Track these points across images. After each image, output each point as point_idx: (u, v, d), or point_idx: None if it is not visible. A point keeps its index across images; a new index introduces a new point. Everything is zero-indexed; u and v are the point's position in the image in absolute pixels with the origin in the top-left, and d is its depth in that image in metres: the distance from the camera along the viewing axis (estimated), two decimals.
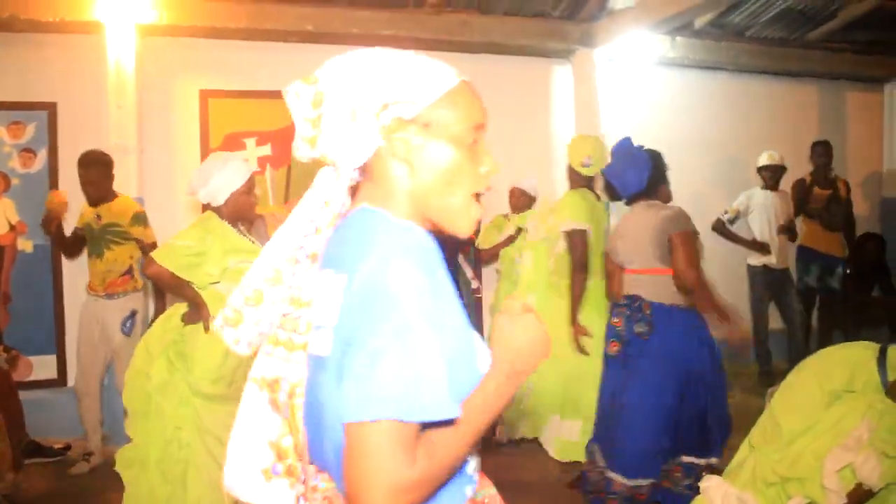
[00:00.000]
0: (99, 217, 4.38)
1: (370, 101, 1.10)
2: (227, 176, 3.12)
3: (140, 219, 4.40)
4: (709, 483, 2.41)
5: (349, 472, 0.97)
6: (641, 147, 3.54)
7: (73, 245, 4.63)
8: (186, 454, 3.09)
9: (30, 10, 4.75)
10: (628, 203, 3.57)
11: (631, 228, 3.47)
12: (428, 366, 0.97)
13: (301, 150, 1.16)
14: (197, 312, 3.11)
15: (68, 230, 4.60)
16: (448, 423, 1.00)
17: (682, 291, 3.25)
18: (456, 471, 1.05)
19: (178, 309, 3.22)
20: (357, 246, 1.06)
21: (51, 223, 4.40)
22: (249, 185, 3.19)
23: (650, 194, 3.48)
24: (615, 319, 3.42)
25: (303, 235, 1.14)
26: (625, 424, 3.24)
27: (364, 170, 1.16)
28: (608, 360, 3.46)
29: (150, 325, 4.37)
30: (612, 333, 3.43)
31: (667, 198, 3.56)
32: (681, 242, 3.19)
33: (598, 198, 4.19)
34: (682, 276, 3.17)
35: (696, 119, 6.48)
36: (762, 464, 2.27)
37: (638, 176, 3.42)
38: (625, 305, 3.38)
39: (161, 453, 3.09)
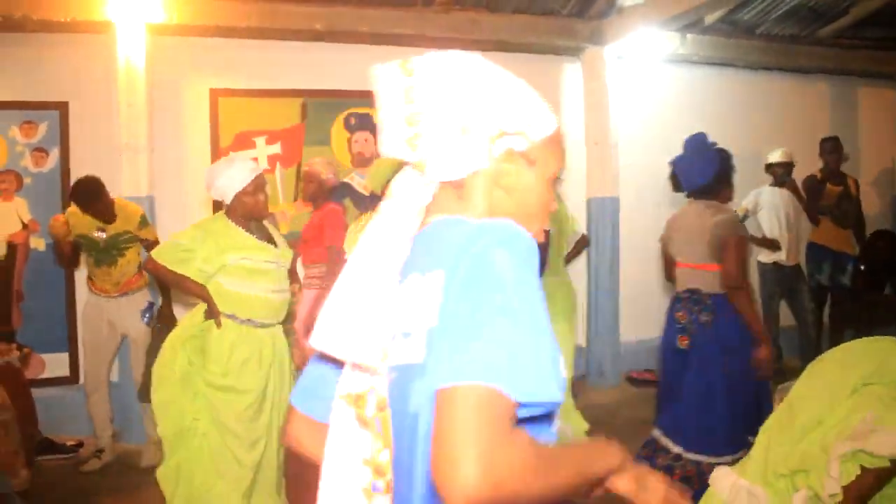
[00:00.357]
0: (102, 230, 4.39)
1: (486, 123, 1.08)
2: (231, 176, 3.21)
3: (145, 220, 4.51)
4: (718, 474, 2.39)
5: (436, 448, 0.88)
6: (713, 144, 3.63)
7: (76, 257, 4.63)
8: (202, 443, 3.22)
9: (42, 10, 4.77)
10: (689, 196, 3.69)
11: (687, 225, 3.61)
12: (533, 344, 0.92)
13: (393, 149, 1.11)
14: (210, 310, 3.24)
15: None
16: (546, 425, 0.95)
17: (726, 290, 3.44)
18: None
19: (203, 307, 3.30)
20: (451, 246, 1.02)
21: (62, 249, 4.43)
22: (256, 185, 3.25)
23: (712, 192, 3.57)
24: (679, 313, 3.57)
25: (395, 244, 1.09)
26: (715, 409, 3.37)
27: (453, 183, 1.12)
28: (675, 354, 3.58)
29: (156, 318, 4.45)
30: (677, 328, 3.57)
31: (726, 199, 3.66)
32: (734, 245, 3.37)
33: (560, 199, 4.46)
34: (729, 277, 3.36)
35: (705, 116, 6.43)
36: (774, 456, 2.26)
37: (703, 171, 3.53)
38: (685, 299, 3.55)
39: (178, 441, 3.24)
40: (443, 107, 1.07)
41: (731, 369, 3.38)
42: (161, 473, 3.31)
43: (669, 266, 3.80)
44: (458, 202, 1.12)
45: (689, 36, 6.08)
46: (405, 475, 1.05)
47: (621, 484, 1.15)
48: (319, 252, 4.45)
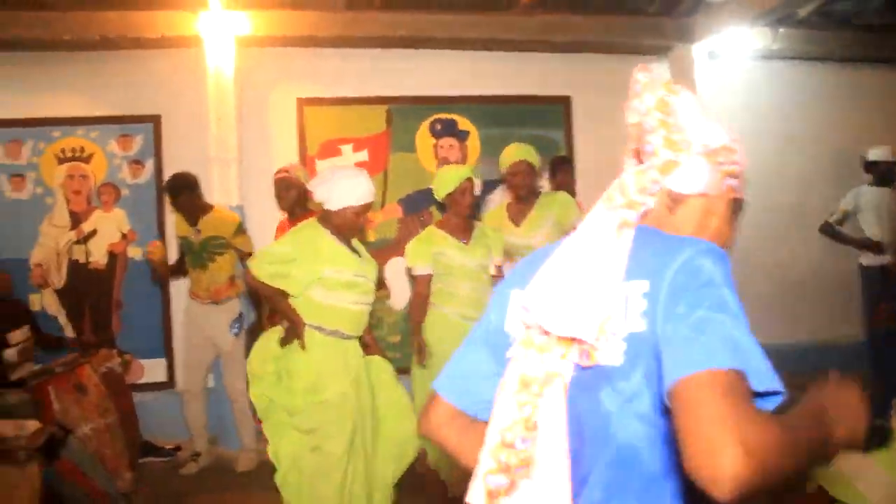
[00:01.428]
0: (199, 231, 4.50)
1: (730, 161, 1.21)
2: (353, 187, 3.14)
3: (241, 228, 4.55)
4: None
5: (691, 440, 0.88)
6: None
7: (182, 266, 4.74)
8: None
9: (135, 28, 4.96)
10: None
11: None
12: (751, 341, 0.95)
13: (657, 148, 1.17)
14: (292, 331, 3.19)
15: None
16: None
17: None
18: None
19: (277, 332, 3.29)
20: (655, 257, 1.07)
21: (159, 273, 4.59)
22: (364, 208, 3.21)
23: None
24: None
25: (622, 240, 1.13)
26: None
27: (674, 195, 1.20)
28: None
29: (250, 330, 4.51)
30: None
31: None
32: None
33: None
34: None
35: (800, 113, 6.20)
36: None
37: None
38: None
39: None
40: (696, 131, 1.18)
41: None
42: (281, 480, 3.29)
43: None
44: (668, 215, 1.20)
45: (781, 30, 5.83)
46: (582, 463, 1.10)
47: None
48: None
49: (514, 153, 3.98)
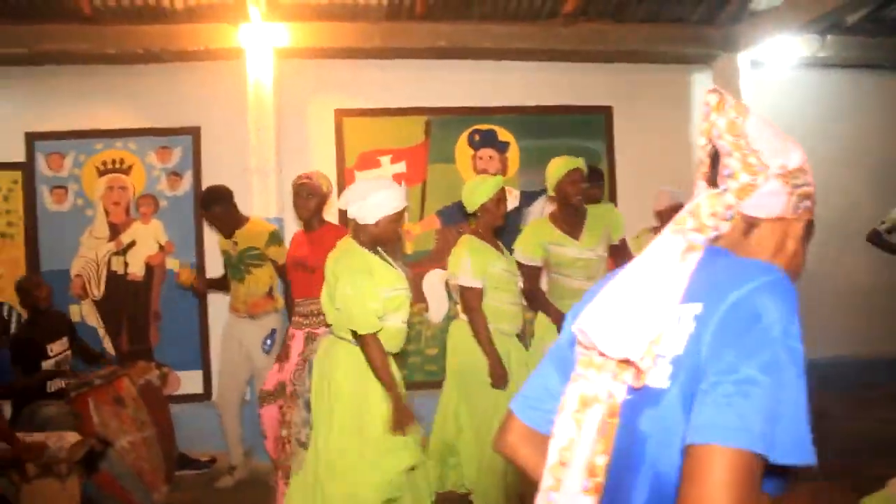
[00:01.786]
0: (235, 244, 4.46)
1: (806, 182, 1.17)
2: (386, 197, 3.06)
3: (275, 238, 4.46)
4: None
5: (687, 497, 0.92)
6: None
7: (225, 281, 4.67)
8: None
9: (177, 41, 4.99)
10: None
11: None
12: (795, 407, 0.95)
13: (736, 171, 1.14)
14: (399, 412, 3.00)
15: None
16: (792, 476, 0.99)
17: None
18: None
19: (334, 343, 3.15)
20: (715, 281, 1.06)
21: (198, 291, 4.60)
22: (399, 216, 3.14)
23: None
24: None
25: (686, 265, 1.12)
26: None
27: (749, 219, 1.17)
28: None
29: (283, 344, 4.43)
30: None
31: None
32: None
33: None
34: None
35: (848, 122, 6.05)
36: None
37: None
38: None
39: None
40: (770, 150, 1.14)
41: None
42: None
43: None
44: (742, 239, 1.17)
45: (829, 38, 5.69)
46: (621, 486, 1.10)
47: None
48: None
49: (568, 162, 3.89)
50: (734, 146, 1.13)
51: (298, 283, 4.01)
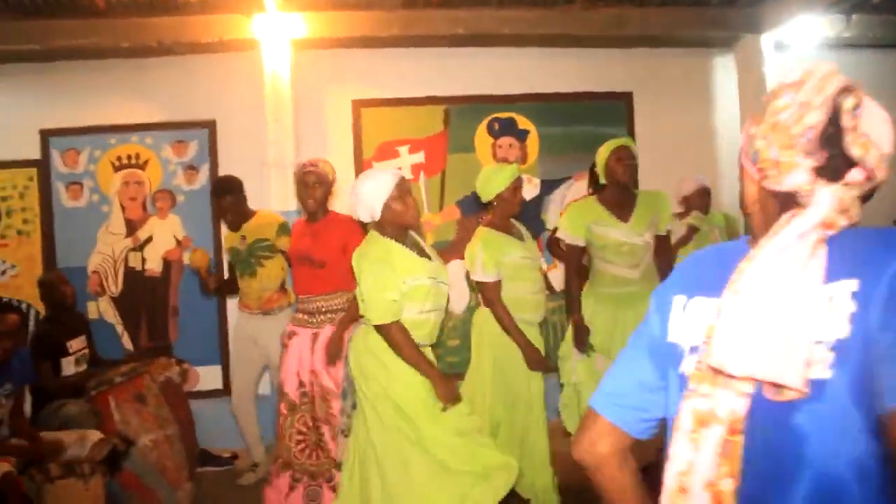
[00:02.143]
0: (244, 238, 4.33)
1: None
2: (375, 186, 2.97)
3: (285, 228, 4.30)
4: None
5: None
6: None
7: (233, 282, 4.53)
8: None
9: (191, 33, 4.90)
10: None
11: None
12: None
13: (863, 157, 1.05)
14: (441, 386, 2.94)
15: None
16: None
17: None
18: None
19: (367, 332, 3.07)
20: (870, 251, 0.99)
21: (206, 281, 4.35)
22: (401, 190, 3.00)
23: None
24: None
25: (814, 252, 1.02)
26: None
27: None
28: None
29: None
30: None
31: None
32: None
33: None
34: None
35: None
36: None
37: None
38: None
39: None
40: (882, 134, 1.07)
41: None
42: None
43: None
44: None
45: (854, 17, 5.55)
46: (768, 500, 1.01)
47: None
48: (341, 277, 3.72)
49: (615, 141, 3.82)
50: (854, 134, 1.05)
51: (302, 278, 3.88)
